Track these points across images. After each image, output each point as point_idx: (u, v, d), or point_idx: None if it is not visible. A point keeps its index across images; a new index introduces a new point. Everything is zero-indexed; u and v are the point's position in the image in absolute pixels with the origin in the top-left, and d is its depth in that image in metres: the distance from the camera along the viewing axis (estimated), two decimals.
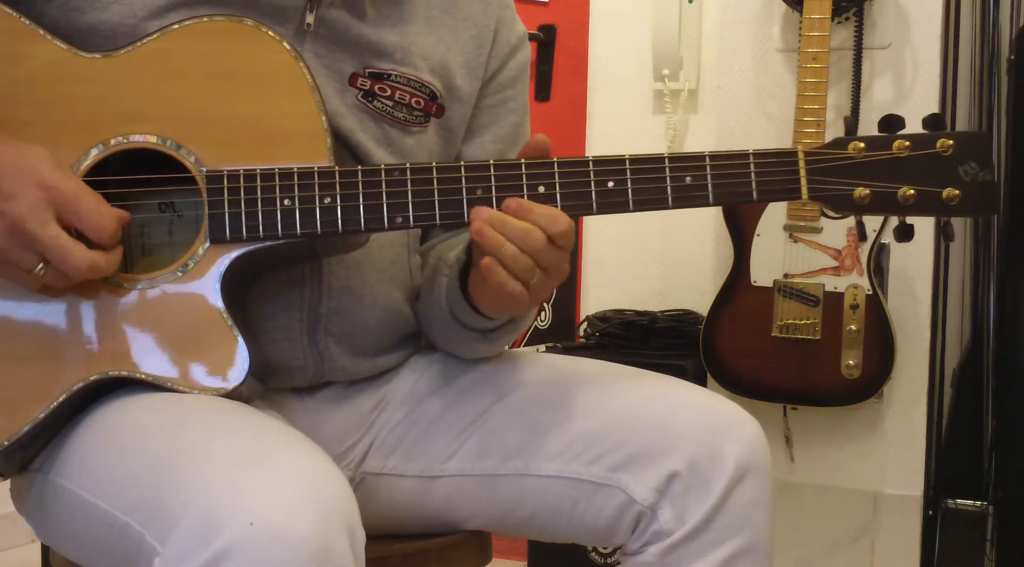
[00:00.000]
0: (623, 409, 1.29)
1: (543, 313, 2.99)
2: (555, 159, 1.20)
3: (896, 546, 2.47)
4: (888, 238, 2.33)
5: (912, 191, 1.19)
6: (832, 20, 2.28)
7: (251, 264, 1.21)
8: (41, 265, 1.11)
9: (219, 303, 1.18)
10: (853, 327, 2.31)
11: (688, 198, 1.21)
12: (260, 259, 1.21)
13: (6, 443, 1.16)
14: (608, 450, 1.27)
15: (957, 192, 1.19)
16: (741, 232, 2.39)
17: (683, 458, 1.23)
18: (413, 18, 1.35)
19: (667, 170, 1.20)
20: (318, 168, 1.19)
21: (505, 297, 1.19)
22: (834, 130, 2.34)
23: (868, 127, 2.31)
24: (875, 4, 2.39)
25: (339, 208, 1.19)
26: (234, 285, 1.20)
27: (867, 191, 1.20)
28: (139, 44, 1.20)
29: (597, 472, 1.27)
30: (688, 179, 1.20)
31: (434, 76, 1.36)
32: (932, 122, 1.20)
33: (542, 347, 2.80)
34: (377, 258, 1.34)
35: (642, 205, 1.21)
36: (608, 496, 1.27)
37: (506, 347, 1.41)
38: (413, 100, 1.34)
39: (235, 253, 1.19)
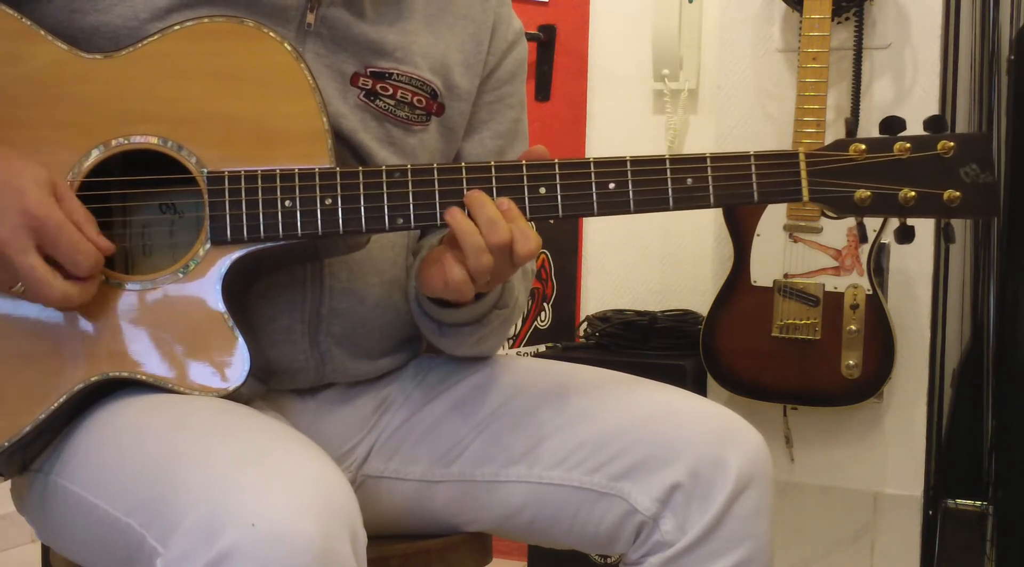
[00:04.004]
0: (626, 417, 1.29)
1: (543, 313, 2.99)
2: (556, 160, 1.20)
3: (896, 546, 2.47)
4: (888, 238, 2.33)
5: (913, 193, 1.19)
6: (832, 20, 2.28)
7: (252, 265, 1.21)
8: (20, 284, 1.12)
9: (220, 304, 1.18)
10: (853, 327, 2.31)
11: (689, 199, 1.21)
12: (261, 260, 1.21)
13: (7, 444, 1.16)
14: (611, 458, 1.27)
15: (958, 194, 1.19)
16: (741, 232, 2.39)
17: (685, 468, 1.23)
18: (412, 16, 1.35)
19: (668, 172, 1.20)
20: (319, 169, 1.19)
21: (445, 283, 1.20)
22: (834, 130, 2.34)
23: (868, 127, 2.31)
24: (875, 4, 2.39)
25: (340, 209, 1.19)
26: (235, 286, 1.20)
27: (868, 193, 1.20)
28: (140, 45, 1.20)
29: (599, 481, 1.27)
30: (689, 180, 1.21)
31: (434, 74, 1.36)
32: (933, 124, 1.20)
33: (542, 347, 2.80)
34: (378, 259, 1.34)
35: (643, 206, 1.21)
36: (610, 505, 1.27)
37: (476, 352, 1.40)
38: (415, 98, 1.34)
39: (236, 254, 1.19)
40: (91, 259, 1.13)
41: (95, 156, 1.19)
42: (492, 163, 1.20)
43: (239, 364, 1.18)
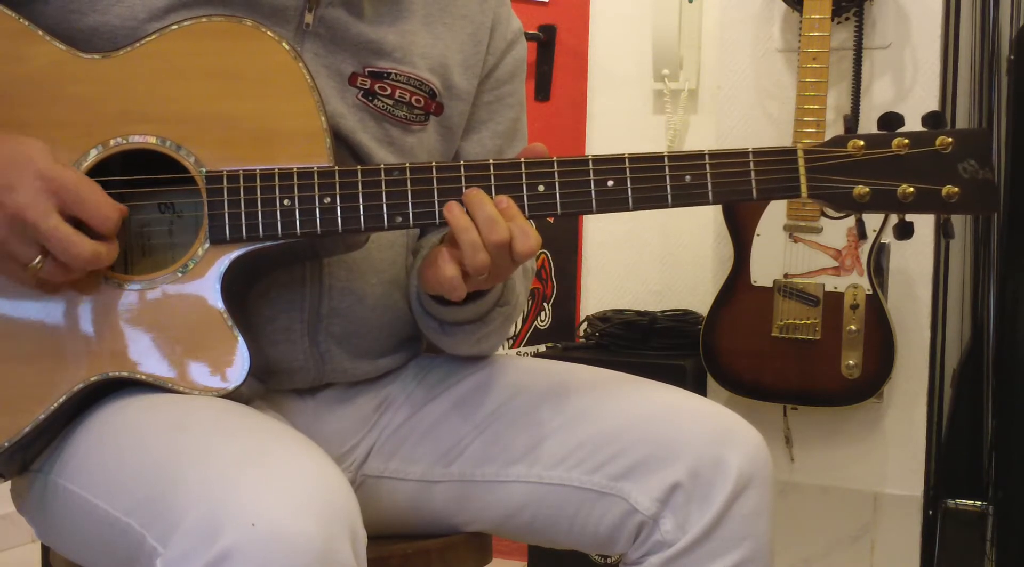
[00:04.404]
0: (625, 417, 1.29)
1: (543, 313, 2.99)
2: (555, 158, 1.20)
3: (896, 546, 2.47)
4: (888, 238, 2.33)
5: (911, 189, 1.19)
6: (832, 20, 2.28)
7: (251, 264, 1.21)
8: (39, 258, 1.11)
9: (219, 303, 1.18)
10: (853, 327, 2.31)
11: (688, 197, 1.21)
12: (260, 259, 1.21)
13: (7, 444, 1.16)
14: (610, 458, 1.27)
15: (956, 190, 1.19)
16: (741, 232, 2.39)
17: (685, 467, 1.23)
18: (411, 16, 1.35)
19: (667, 169, 1.20)
20: (317, 168, 1.19)
21: (437, 280, 1.20)
22: (834, 130, 2.33)
23: (868, 127, 2.30)
24: (875, 4, 2.39)
25: (339, 208, 1.19)
26: (235, 286, 1.20)
27: (867, 189, 1.20)
28: (138, 45, 1.20)
29: (599, 480, 1.27)
30: (688, 178, 1.20)
31: (433, 74, 1.36)
32: (932, 120, 1.20)
33: (542, 347, 2.80)
34: (377, 259, 1.34)
35: (642, 204, 1.21)
36: (610, 505, 1.27)
37: (477, 351, 1.40)
38: (413, 98, 1.34)
39: (235, 253, 1.19)
40: (115, 212, 1.13)
41: (94, 156, 1.18)
42: (491, 161, 1.20)
43: (239, 364, 1.18)
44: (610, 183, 1.20)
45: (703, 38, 2.80)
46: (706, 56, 2.79)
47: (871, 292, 2.31)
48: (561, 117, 2.94)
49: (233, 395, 1.18)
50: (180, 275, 1.19)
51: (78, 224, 1.12)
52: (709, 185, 1.21)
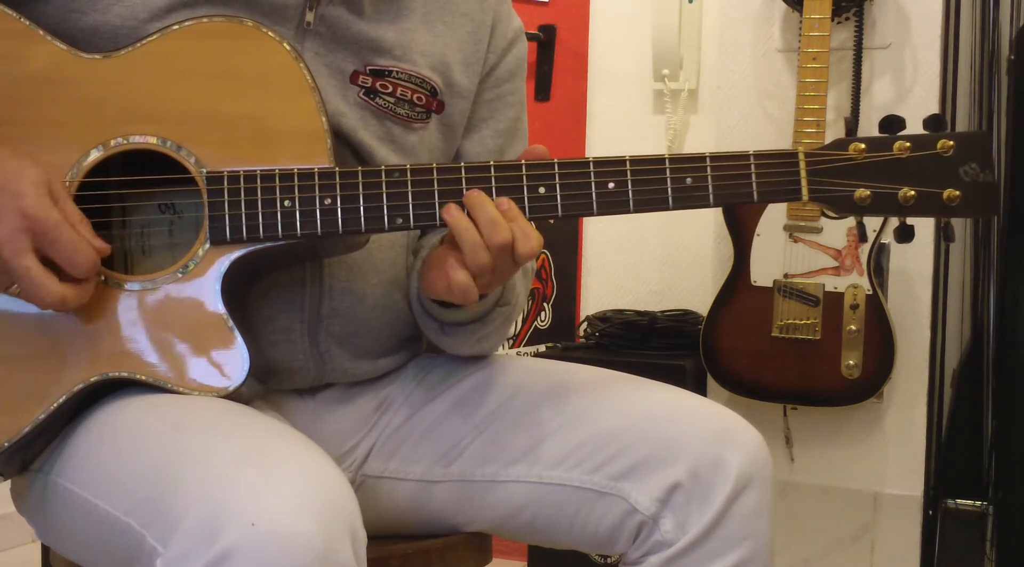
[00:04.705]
0: (625, 417, 1.29)
1: (543, 313, 2.99)
2: (555, 160, 1.20)
3: (896, 546, 2.47)
4: (888, 238, 2.33)
5: (912, 192, 1.19)
6: (832, 20, 2.28)
7: (251, 265, 1.21)
8: (15, 285, 1.12)
9: (219, 304, 1.18)
10: (853, 327, 2.31)
11: (688, 199, 1.21)
12: (260, 260, 1.21)
13: (7, 444, 1.16)
14: (610, 458, 1.27)
15: (957, 193, 1.19)
16: (741, 232, 2.39)
17: (685, 467, 1.23)
18: (411, 14, 1.36)
19: (667, 171, 1.20)
20: (318, 169, 1.19)
21: (448, 286, 1.20)
22: (834, 130, 2.34)
23: (868, 127, 2.31)
24: (875, 4, 2.39)
25: (339, 209, 1.19)
26: (235, 286, 1.20)
27: (867, 192, 1.20)
28: (139, 45, 1.20)
29: (599, 480, 1.27)
30: (688, 180, 1.20)
31: (434, 72, 1.36)
32: (933, 123, 1.20)
33: (542, 347, 2.80)
34: (378, 259, 1.34)
35: (643, 206, 1.21)
36: (610, 505, 1.27)
37: (477, 351, 1.40)
38: (415, 96, 1.34)
39: (235, 254, 1.19)
40: (89, 259, 1.13)
41: (94, 156, 1.18)
42: (491, 163, 1.20)
43: (238, 364, 1.18)
44: (611, 185, 1.20)
45: (703, 38, 2.80)
46: (706, 56, 2.79)
47: (871, 292, 2.31)
48: (561, 117, 2.94)
49: (233, 395, 1.18)
50: (180, 275, 1.19)
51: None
52: (710, 187, 1.21)
